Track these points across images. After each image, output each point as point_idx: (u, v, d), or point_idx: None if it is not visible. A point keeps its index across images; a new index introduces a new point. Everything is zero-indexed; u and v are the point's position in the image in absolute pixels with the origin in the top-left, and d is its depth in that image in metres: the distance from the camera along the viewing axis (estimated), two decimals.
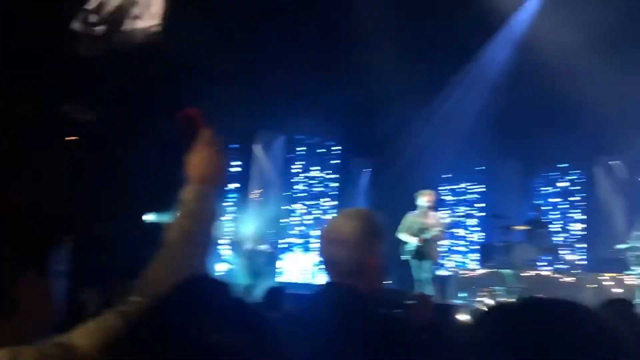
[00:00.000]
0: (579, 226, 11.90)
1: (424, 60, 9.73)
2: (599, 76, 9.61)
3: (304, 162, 12.63)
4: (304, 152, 12.70)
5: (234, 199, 11.31)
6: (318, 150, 12.71)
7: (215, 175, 1.42)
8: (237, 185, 11.29)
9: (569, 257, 10.20)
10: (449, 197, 12.74)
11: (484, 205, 12.45)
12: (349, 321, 1.75)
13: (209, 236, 1.39)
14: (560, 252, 10.18)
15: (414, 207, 7.98)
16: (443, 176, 12.71)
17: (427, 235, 7.70)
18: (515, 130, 11.01)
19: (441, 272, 11.74)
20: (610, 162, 11.48)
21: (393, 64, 9.47)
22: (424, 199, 7.84)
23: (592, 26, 8.98)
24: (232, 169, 10.88)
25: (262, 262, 9.84)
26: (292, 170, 12.49)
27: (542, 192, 12.33)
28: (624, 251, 7.62)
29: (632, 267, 7.48)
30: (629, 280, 7.72)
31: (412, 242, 7.71)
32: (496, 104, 10.57)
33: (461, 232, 12.54)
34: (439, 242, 8.14)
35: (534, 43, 9.86)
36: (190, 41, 7.10)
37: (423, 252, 7.74)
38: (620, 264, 8.12)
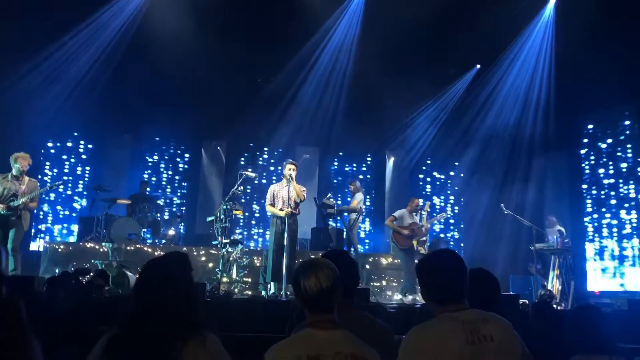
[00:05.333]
0: (179, 202, 12.70)
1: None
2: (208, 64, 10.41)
3: None
4: None
5: None
6: None
7: None
8: None
9: (169, 232, 10.60)
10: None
11: (88, 176, 12.09)
12: None
13: None
14: (161, 227, 10.52)
15: (7, 169, 7.11)
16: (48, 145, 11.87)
17: (16, 203, 6.95)
18: (125, 105, 10.96)
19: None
20: (214, 146, 12.50)
21: None
22: (17, 164, 7.05)
23: (203, 15, 9.64)
24: None
25: None
26: None
27: (150, 166, 12.63)
28: (212, 223, 8.17)
29: (218, 238, 8.02)
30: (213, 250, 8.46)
31: None
32: (105, 77, 10.38)
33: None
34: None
35: (149, 23, 9.95)
36: None
37: (8, 221, 6.94)
38: (212, 238, 8.79)
